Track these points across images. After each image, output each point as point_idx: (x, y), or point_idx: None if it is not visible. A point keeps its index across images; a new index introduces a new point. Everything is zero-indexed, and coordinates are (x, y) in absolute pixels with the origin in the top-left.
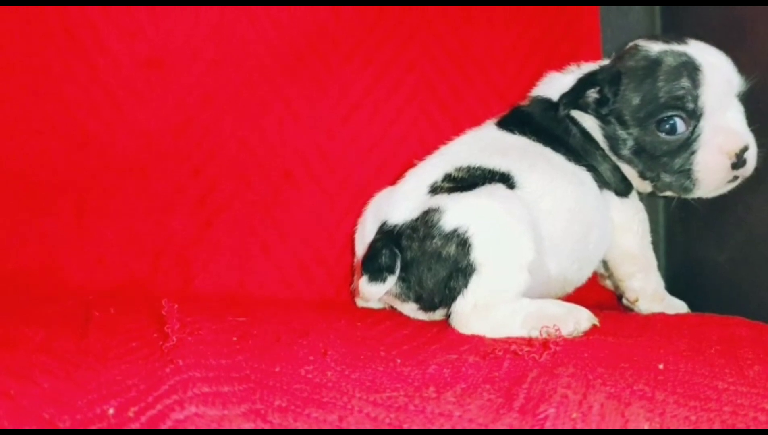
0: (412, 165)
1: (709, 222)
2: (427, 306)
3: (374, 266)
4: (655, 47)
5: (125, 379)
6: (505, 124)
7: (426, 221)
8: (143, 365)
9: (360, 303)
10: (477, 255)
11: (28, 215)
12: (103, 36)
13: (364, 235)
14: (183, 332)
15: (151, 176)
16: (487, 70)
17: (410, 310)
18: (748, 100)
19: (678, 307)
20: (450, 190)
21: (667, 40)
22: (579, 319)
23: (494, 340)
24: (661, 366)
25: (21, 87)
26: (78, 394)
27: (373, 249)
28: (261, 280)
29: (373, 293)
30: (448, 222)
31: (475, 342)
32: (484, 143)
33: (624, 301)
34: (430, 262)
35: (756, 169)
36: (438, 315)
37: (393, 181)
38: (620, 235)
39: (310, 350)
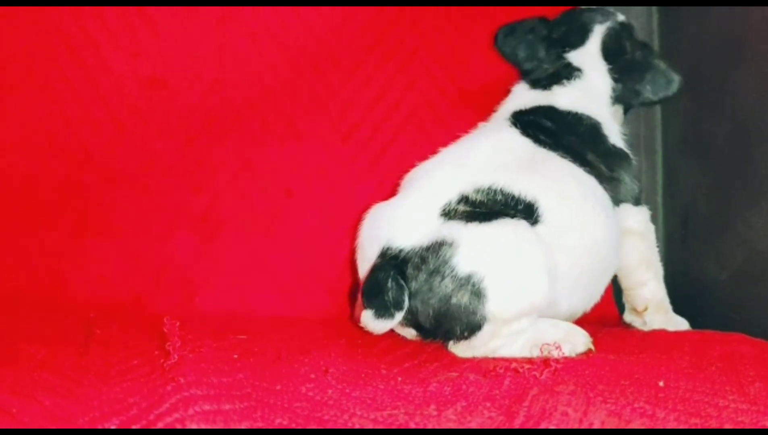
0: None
1: (709, 239)
2: (428, 336)
3: (380, 302)
4: None
5: (127, 397)
6: (526, 130)
7: (437, 254)
8: (145, 383)
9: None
10: (491, 308)
11: (30, 232)
12: (105, 55)
13: (365, 257)
14: (184, 350)
15: (152, 194)
16: (487, 88)
17: (408, 334)
18: (750, 116)
19: (679, 323)
20: (466, 218)
21: None
22: (576, 343)
23: (495, 358)
24: (661, 383)
25: (24, 105)
26: (79, 411)
27: (377, 280)
28: (262, 297)
29: (379, 329)
30: (461, 264)
31: (476, 360)
32: (506, 156)
33: (626, 316)
34: (439, 303)
35: (756, 186)
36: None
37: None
38: (638, 243)
39: (311, 368)
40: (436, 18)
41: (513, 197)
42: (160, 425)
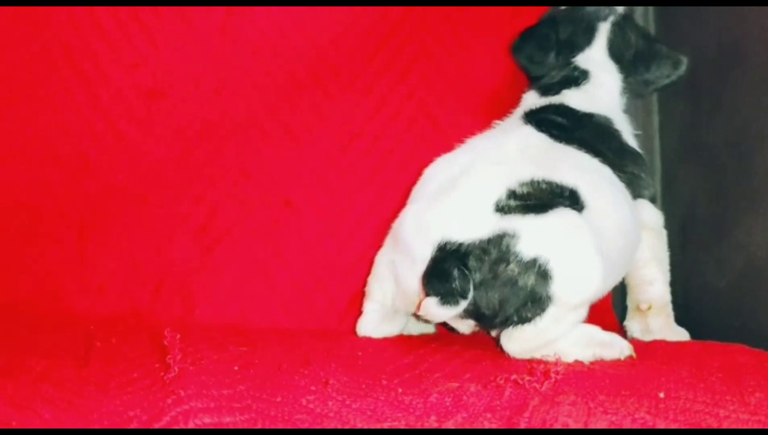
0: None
1: (708, 246)
2: (488, 326)
3: (446, 288)
4: None
5: (127, 410)
6: (540, 127)
7: (499, 245)
8: (145, 396)
9: (364, 332)
10: (556, 289)
11: (30, 244)
12: (105, 66)
13: (413, 257)
14: (184, 362)
15: (152, 205)
16: (487, 98)
17: (465, 326)
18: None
19: (680, 333)
20: (521, 211)
21: None
22: (623, 348)
23: (496, 368)
24: (662, 394)
25: (24, 116)
26: (79, 424)
27: (441, 269)
28: (262, 308)
29: (441, 316)
30: (525, 250)
31: (477, 371)
32: (532, 151)
33: (627, 320)
34: (504, 288)
35: (755, 192)
36: (493, 332)
37: (393, 209)
38: (653, 239)
39: (312, 380)
40: (435, 28)
41: (557, 185)
42: None
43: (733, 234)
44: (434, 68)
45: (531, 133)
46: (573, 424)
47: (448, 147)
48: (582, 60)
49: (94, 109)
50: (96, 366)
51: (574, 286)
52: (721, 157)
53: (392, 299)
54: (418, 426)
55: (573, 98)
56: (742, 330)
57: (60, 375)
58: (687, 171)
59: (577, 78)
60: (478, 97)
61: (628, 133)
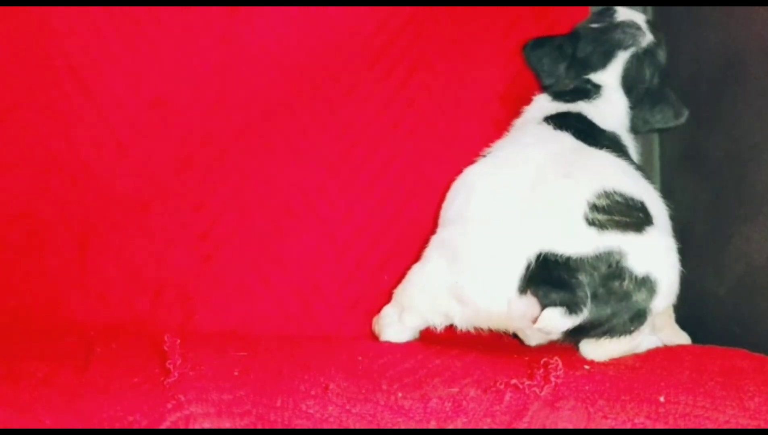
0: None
1: (707, 254)
2: (579, 336)
3: (569, 298)
4: None
5: (127, 415)
6: (563, 130)
7: (608, 261)
8: (145, 400)
9: (387, 337)
10: (657, 303)
11: (31, 251)
12: (106, 75)
13: (499, 273)
14: (185, 367)
15: (152, 212)
16: (486, 104)
17: (548, 337)
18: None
19: (682, 336)
20: (617, 227)
21: None
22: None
23: (495, 372)
24: (662, 398)
25: (25, 125)
26: (80, 429)
27: (559, 278)
28: (262, 314)
29: (564, 326)
30: (638, 266)
31: (477, 375)
32: (591, 162)
33: None
34: (619, 303)
35: (753, 201)
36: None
37: (393, 216)
38: None
39: (312, 385)
40: (435, 36)
41: (630, 198)
42: None
43: (732, 242)
44: (434, 76)
45: (564, 137)
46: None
47: (448, 154)
48: (594, 77)
49: (95, 117)
50: (96, 371)
51: (668, 298)
52: (720, 166)
53: (443, 317)
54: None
55: (587, 110)
56: (742, 336)
57: (60, 380)
58: (686, 180)
59: (589, 91)
60: (478, 104)
61: (634, 152)
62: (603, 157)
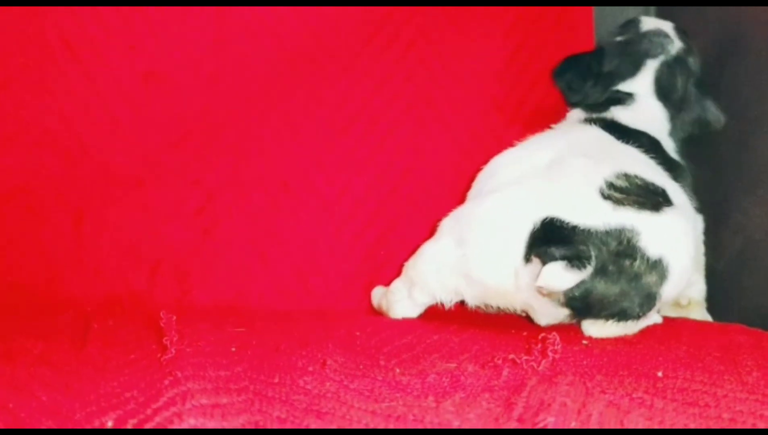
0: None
1: (707, 229)
2: (585, 316)
3: (572, 251)
4: None
5: (124, 392)
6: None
7: (619, 238)
8: (142, 377)
9: (397, 313)
10: (668, 288)
11: (27, 227)
12: (101, 49)
13: (506, 240)
14: (181, 344)
15: (149, 187)
16: (484, 79)
17: (553, 315)
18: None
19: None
20: (634, 205)
21: None
22: None
23: (493, 348)
24: (660, 373)
25: (20, 100)
26: (77, 406)
27: (561, 234)
28: (259, 290)
29: (565, 284)
30: (651, 247)
31: (475, 351)
32: (615, 150)
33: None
34: (628, 283)
35: (753, 175)
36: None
37: (390, 191)
38: (697, 244)
39: (309, 360)
40: (433, 9)
41: (650, 183)
42: (157, 419)
43: (732, 216)
44: (432, 50)
45: (599, 131)
46: (570, 404)
47: (445, 129)
48: (624, 87)
49: (90, 92)
50: (93, 348)
51: (678, 286)
52: (720, 141)
53: (453, 294)
54: (416, 406)
55: (622, 115)
56: (740, 310)
57: (57, 357)
58: (688, 154)
59: (622, 98)
60: (476, 78)
61: (672, 151)
62: (628, 149)
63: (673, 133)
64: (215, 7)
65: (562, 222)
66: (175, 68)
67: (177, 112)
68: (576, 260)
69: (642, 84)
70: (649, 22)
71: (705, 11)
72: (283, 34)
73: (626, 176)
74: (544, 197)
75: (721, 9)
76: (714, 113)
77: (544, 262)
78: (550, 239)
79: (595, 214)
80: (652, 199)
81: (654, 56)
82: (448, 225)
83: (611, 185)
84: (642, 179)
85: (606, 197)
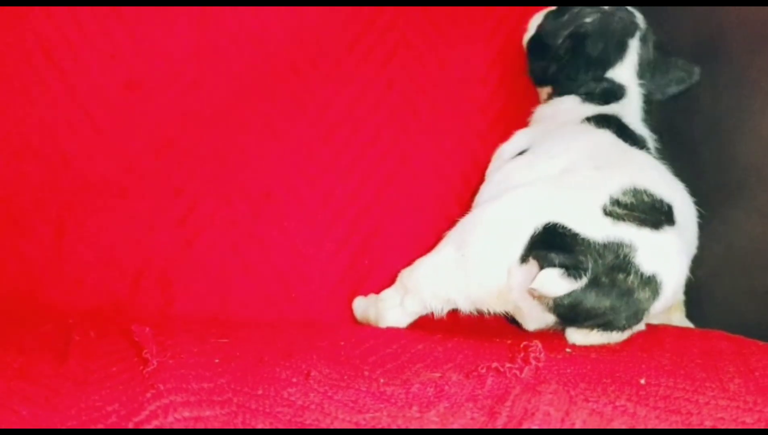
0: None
1: None
2: (571, 325)
3: (570, 260)
4: None
5: (105, 405)
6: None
7: (616, 252)
8: (124, 390)
9: (388, 321)
10: (658, 304)
11: (7, 237)
12: (81, 57)
13: (508, 240)
14: (164, 356)
15: (130, 197)
16: (468, 86)
17: (539, 320)
18: (725, 113)
19: (688, 324)
20: (634, 221)
21: None
22: None
23: (477, 356)
24: (642, 381)
25: None
26: (58, 421)
27: (563, 241)
28: (243, 300)
29: (561, 290)
30: (645, 264)
31: (459, 360)
32: (628, 158)
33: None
34: (620, 298)
35: (732, 183)
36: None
37: (373, 199)
38: None
39: (293, 372)
40: (415, 16)
41: (658, 199)
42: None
43: (712, 224)
44: (414, 57)
45: (611, 137)
46: (554, 413)
47: (429, 137)
48: (613, 75)
49: (70, 100)
50: (74, 361)
51: (667, 303)
52: (699, 148)
53: (446, 302)
54: (400, 416)
55: (623, 112)
56: (721, 317)
57: (38, 371)
58: (667, 161)
59: (616, 92)
60: (459, 83)
61: (653, 148)
62: (642, 156)
63: (646, 119)
64: (196, 15)
65: (564, 228)
66: (156, 77)
67: (158, 121)
68: (573, 270)
69: (628, 67)
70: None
71: (682, 17)
72: (264, 41)
73: (634, 192)
74: (550, 204)
75: (700, 14)
76: (686, 66)
77: (541, 266)
78: (551, 244)
79: (596, 227)
80: (655, 217)
81: (633, 34)
82: (452, 235)
83: (616, 202)
84: (651, 195)
85: (607, 214)
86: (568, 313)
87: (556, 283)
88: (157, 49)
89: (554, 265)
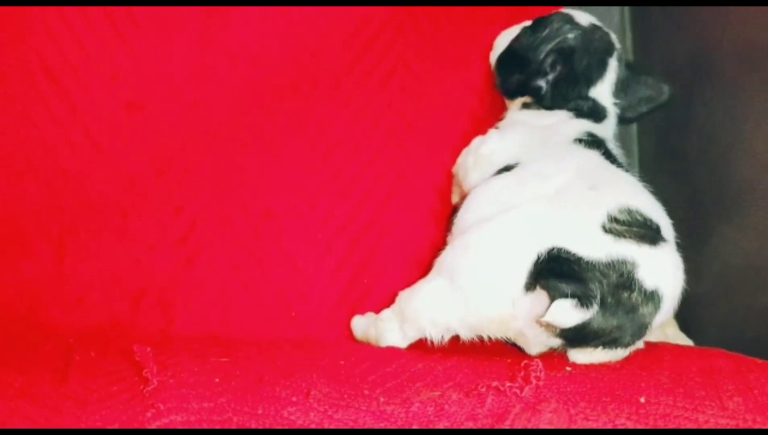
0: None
1: (684, 254)
2: (577, 345)
3: (582, 291)
4: None
5: (106, 425)
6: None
7: (619, 270)
8: (124, 410)
9: (388, 342)
10: (658, 319)
11: (7, 258)
12: (83, 78)
13: (509, 265)
14: (164, 375)
15: (131, 216)
16: (466, 106)
17: (544, 344)
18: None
19: (686, 339)
20: (634, 237)
21: None
22: None
23: (477, 375)
24: (642, 399)
25: (1, 130)
26: None
27: (571, 271)
28: (243, 319)
29: (573, 321)
30: (647, 280)
31: (459, 379)
32: (617, 180)
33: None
34: (625, 315)
35: (728, 200)
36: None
37: (373, 219)
38: None
39: (293, 391)
40: (413, 38)
41: (648, 219)
42: None
43: (709, 241)
44: (413, 78)
45: (599, 159)
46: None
47: (428, 156)
48: (595, 94)
49: (72, 121)
50: (75, 381)
51: (666, 315)
52: (695, 166)
53: (444, 331)
54: None
55: (605, 133)
56: (718, 334)
57: (38, 391)
58: (662, 180)
59: (599, 113)
60: (458, 105)
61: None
62: (628, 178)
63: (620, 123)
64: (197, 36)
65: (568, 253)
66: (156, 97)
67: (159, 141)
68: (585, 299)
69: (606, 86)
70: (579, 16)
71: (677, 36)
72: (265, 61)
73: (628, 211)
74: (549, 225)
75: (694, 33)
76: (655, 86)
77: (552, 297)
78: (558, 272)
79: (598, 247)
80: (651, 233)
81: (611, 53)
82: (441, 263)
83: (614, 219)
84: (642, 214)
85: (608, 231)
86: (576, 335)
87: (569, 314)
88: (157, 70)
89: (566, 296)
